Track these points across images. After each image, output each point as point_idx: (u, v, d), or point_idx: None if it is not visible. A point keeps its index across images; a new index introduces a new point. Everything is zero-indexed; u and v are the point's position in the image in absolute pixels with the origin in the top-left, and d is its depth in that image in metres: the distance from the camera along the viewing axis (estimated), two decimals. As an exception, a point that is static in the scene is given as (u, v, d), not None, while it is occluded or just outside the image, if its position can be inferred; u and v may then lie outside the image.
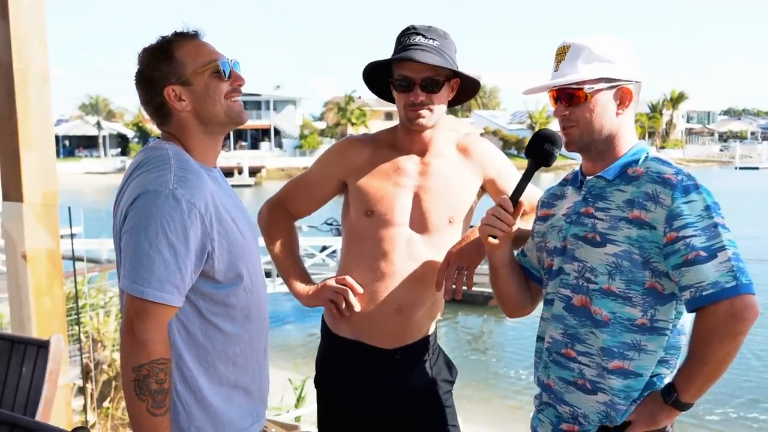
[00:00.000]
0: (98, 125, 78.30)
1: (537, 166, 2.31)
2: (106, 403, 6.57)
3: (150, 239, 1.96)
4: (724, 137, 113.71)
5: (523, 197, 2.44)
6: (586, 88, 2.15)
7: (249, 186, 60.20)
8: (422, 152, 2.71)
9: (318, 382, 2.88)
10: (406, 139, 2.71)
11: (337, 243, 20.68)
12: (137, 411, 1.98)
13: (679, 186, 2.04)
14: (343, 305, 2.68)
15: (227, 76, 2.19)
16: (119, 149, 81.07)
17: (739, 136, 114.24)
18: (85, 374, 6.37)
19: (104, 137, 79.48)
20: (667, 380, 2.15)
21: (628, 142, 2.21)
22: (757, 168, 79.15)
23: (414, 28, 2.60)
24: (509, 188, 2.73)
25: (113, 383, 6.74)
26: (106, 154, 78.76)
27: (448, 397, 2.83)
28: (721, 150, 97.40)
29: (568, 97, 2.18)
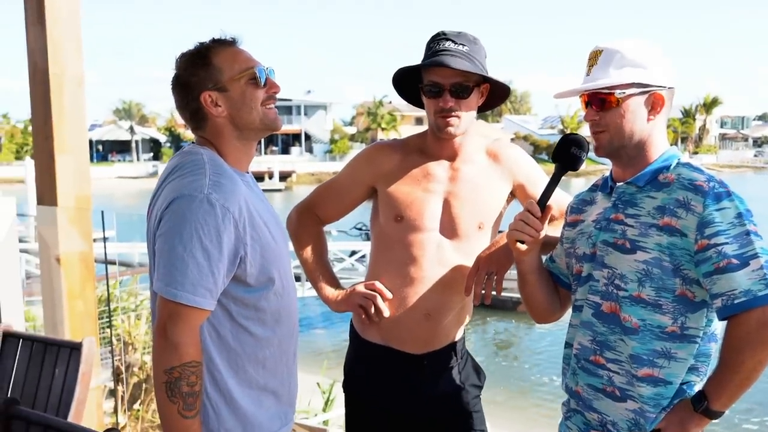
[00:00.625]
0: (131, 130, 79.21)
1: (564, 170, 2.31)
2: (136, 406, 6.62)
3: (184, 243, 1.99)
4: (758, 142, 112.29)
5: (553, 203, 2.44)
6: (617, 93, 2.14)
7: (279, 191, 60.57)
8: (452, 158, 2.71)
9: (346, 387, 2.89)
10: (435, 144, 2.71)
11: (366, 248, 20.71)
12: (168, 413, 2.00)
13: (711, 193, 2.02)
14: (372, 311, 2.68)
15: (263, 83, 2.21)
16: (151, 154, 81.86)
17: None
18: (116, 376, 6.44)
19: (137, 142, 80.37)
20: (697, 388, 2.13)
21: (660, 148, 2.20)
22: (792, 173, 78.16)
23: (444, 33, 2.61)
24: (538, 194, 2.72)
25: (143, 386, 6.79)
26: (138, 159, 79.59)
27: (476, 402, 2.82)
28: (755, 155, 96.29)
29: (599, 102, 2.17)
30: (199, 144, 2.24)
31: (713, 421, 2.08)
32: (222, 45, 2.21)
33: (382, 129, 74.48)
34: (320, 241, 2.90)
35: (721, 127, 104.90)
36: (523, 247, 2.31)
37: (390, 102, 77.07)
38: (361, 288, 2.74)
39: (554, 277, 2.51)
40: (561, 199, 2.73)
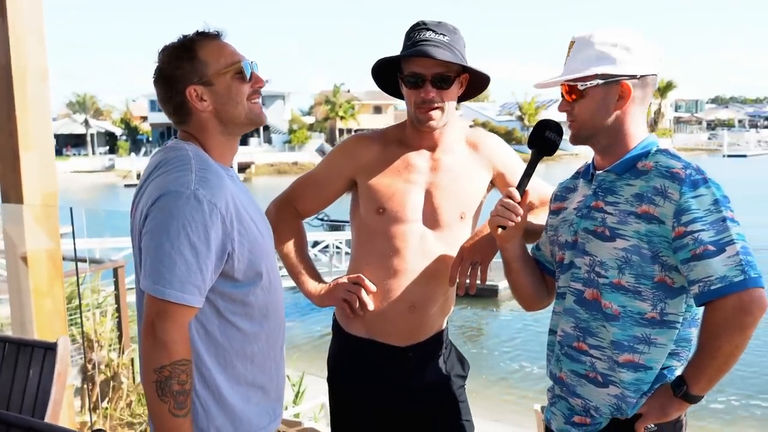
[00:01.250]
0: (86, 123, 77.91)
1: (540, 155, 2.34)
2: (104, 404, 6.56)
3: (172, 240, 1.97)
4: (712, 125, 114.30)
5: (534, 192, 2.51)
6: (580, 85, 2.18)
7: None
8: (432, 148, 2.70)
9: (331, 381, 2.88)
10: (415, 135, 2.70)
11: (328, 238, 20.72)
12: (159, 412, 1.98)
13: (688, 180, 2.05)
14: (357, 304, 2.67)
15: (249, 77, 2.20)
16: (107, 147, 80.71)
17: (727, 124, 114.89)
18: (84, 375, 6.36)
19: (92, 135, 79.06)
20: (677, 372, 2.17)
21: (638, 136, 2.22)
22: (745, 156, 79.59)
23: (424, 23, 2.59)
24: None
25: (111, 383, 6.73)
26: (94, 153, 78.35)
27: (461, 392, 2.84)
28: (709, 138, 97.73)
29: (569, 93, 2.22)
30: (182, 139, 2.22)
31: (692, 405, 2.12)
32: (207, 38, 2.19)
33: (341, 118, 74.25)
34: (300, 235, 2.88)
35: (676, 110, 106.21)
36: (505, 232, 2.33)
37: (348, 90, 76.84)
38: (344, 281, 2.73)
39: (540, 264, 2.53)
40: (542, 189, 2.76)
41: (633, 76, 2.17)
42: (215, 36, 2.21)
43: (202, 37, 2.19)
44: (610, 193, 2.19)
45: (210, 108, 2.17)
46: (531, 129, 2.38)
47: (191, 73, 2.14)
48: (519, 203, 2.30)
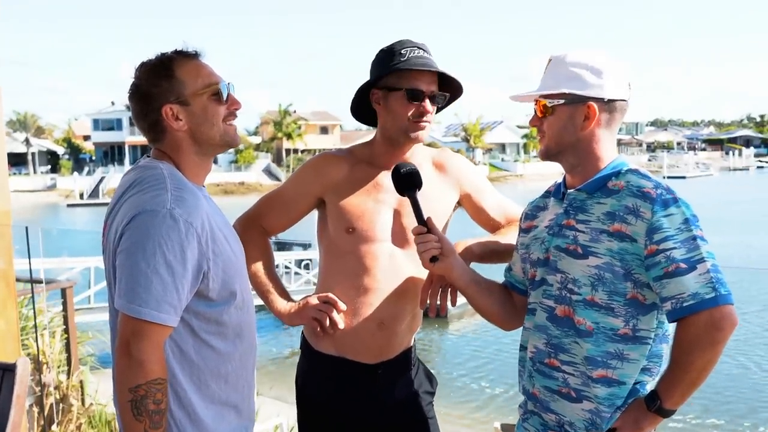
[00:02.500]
0: (27, 142, 76.35)
1: (411, 190, 2.47)
2: (54, 427, 6.41)
3: (147, 259, 1.95)
4: (651, 147, 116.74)
5: (499, 210, 2.69)
6: (549, 102, 2.24)
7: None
8: None
9: (300, 400, 2.86)
10: (385, 154, 2.72)
11: (278, 258, 20.57)
12: None
13: (659, 200, 2.10)
14: (327, 323, 2.67)
15: (225, 99, 2.20)
16: (49, 166, 79.14)
17: (666, 146, 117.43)
18: (34, 397, 6.21)
19: (33, 154, 77.48)
20: (649, 387, 2.21)
21: (608, 157, 2.27)
22: (684, 177, 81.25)
23: (412, 42, 2.65)
24: (485, 201, 2.83)
25: (60, 405, 6.59)
26: (35, 172, 76.77)
27: (429, 409, 2.85)
28: (649, 160, 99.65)
29: (539, 109, 2.28)
30: (155, 157, 2.20)
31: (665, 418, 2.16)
32: (185, 57, 2.18)
33: (288, 138, 74.03)
34: (267, 253, 2.86)
35: (617, 133, 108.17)
36: (439, 263, 2.42)
37: (294, 111, 76.69)
38: (314, 300, 2.72)
39: (511, 286, 2.56)
40: (508, 207, 2.81)
41: (600, 99, 2.22)
42: (194, 55, 2.20)
43: (181, 56, 2.18)
44: (582, 212, 2.23)
45: (185, 128, 2.16)
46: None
47: (168, 91, 2.13)
48: (429, 232, 2.40)
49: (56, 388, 6.74)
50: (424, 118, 2.63)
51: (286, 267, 20.46)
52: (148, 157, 2.23)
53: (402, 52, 2.62)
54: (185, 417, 2.11)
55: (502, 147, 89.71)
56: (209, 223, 2.08)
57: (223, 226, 2.18)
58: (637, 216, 2.10)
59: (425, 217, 2.42)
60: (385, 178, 2.70)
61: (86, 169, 73.81)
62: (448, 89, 2.70)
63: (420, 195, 2.66)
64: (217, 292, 2.11)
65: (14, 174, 74.98)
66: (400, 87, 2.62)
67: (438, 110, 2.73)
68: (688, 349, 2.05)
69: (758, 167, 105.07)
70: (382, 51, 2.68)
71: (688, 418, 11.45)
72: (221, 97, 2.18)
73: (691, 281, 2.03)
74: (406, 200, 2.65)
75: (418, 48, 2.63)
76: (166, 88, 2.12)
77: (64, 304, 7.87)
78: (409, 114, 2.62)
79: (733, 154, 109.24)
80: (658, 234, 2.07)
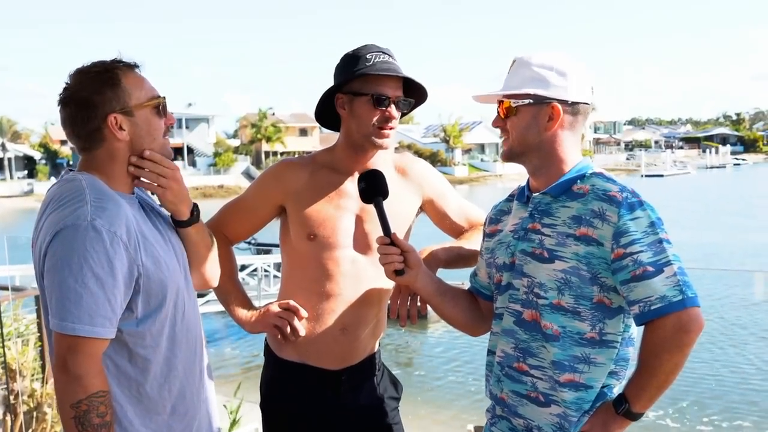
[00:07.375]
0: (2, 147, 75.66)
1: (376, 198, 2.43)
2: (27, 436, 6.34)
3: (75, 274, 1.92)
4: (629, 146, 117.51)
5: (461, 215, 2.70)
6: (513, 102, 2.23)
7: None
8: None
9: (264, 407, 2.83)
10: (347, 159, 2.69)
11: (256, 261, 20.47)
12: None
13: (625, 203, 2.09)
14: (288, 330, 2.64)
15: (164, 114, 2.19)
16: (26, 171, 78.45)
17: (644, 145, 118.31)
18: (6, 406, 6.13)
19: (9, 159, 76.80)
20: (616, 390, 2.20)
21: (572, 159, 2.26)
22: (661, 175, 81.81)
23: (377, 47, 2.61)
24: (447, 206, 2.82)
25: (34, 414, 6.51)
26: (12, 177, 76.07)
27: (395, 415, 2.83)
28: (627, 159, 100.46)
29: (502, 110, 2.27)
30: (80, 168, 2.15)
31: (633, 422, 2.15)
32: (129, 68, 2.15)
33: (267, 140, 73.76)
34: (230, 261, 2.81)
35: (595, 132, 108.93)
36: (405, 276, 2.39)
37: (273, 114, 76.41)
38: (275, 308, 2.69)
39: (476, 292, 2.55)
40: (471, 212, 2.81)
41: (564, 101, 2.21)
42: (135, 66, 2.17)
43: (124, 66, 2.15)
44: (547, 215, 2.22)
45: (127, 138, 2.13)
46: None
47: (113, 100, 2.09)
48: (393, 244, 2.36)
49: (30, 396, 6.65)
50: (389, 124, 2.59)
51: (266, 270, 20.35)
52: (71, 170, 2.18)
53: (368, 57, 2.58)
54: None
55: (482, 147, 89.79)
56: (136, 228, 2.05)
57: (148, 233, 2.13)
58: (604, 219, 2.09)
59: (391, 227, 2.38)
60: (348, 183, 2.68)
61: (63, 173, 73.07)
62: (413, 94, 2.67)
63: (384, 202, 2.65)
64: (147, 302, 2.08)
65: (-10, 180, 74.35)
66: (365, 92, 2.58)
67: (402, 115, 2.69)
68: (656, 352, 2.04)
69: (735, 164, 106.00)
70: (346, 56, 2.64)
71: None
72: (161, 112, 2.18)
73: (658, 284, 2.02)
74: (369, 205, 2.62)
75: (384, 53, 2.60)
76: (111, 96, 2.08)
77: (38, 311, 7.78)
78: (375, 119, 2.58)
79: (710, 152, 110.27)
80: (625, 237, 2.06)
